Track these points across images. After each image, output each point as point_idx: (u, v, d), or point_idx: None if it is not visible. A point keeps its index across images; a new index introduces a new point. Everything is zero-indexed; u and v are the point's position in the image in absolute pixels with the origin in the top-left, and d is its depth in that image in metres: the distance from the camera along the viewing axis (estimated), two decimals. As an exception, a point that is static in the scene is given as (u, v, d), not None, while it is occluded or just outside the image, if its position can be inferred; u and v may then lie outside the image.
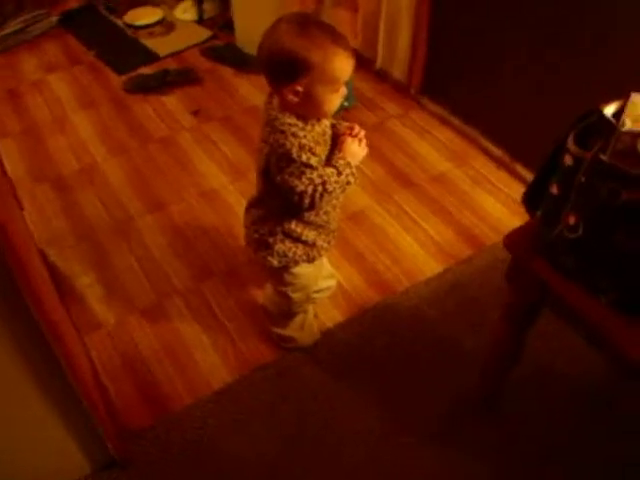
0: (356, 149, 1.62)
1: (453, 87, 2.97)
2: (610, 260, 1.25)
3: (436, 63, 2.98)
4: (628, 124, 1.17)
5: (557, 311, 1.46)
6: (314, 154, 1.53)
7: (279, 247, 1.73)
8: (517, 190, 2.66)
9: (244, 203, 2.55)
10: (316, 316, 2.13)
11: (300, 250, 1.75)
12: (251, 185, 2.63)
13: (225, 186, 2.71)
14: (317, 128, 1.57)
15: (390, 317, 2.18)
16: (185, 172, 2.78)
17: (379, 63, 3.19)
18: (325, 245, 1.81)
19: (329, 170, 1.55)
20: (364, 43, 3.15)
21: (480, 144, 2.88)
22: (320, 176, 1.53)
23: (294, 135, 1.50)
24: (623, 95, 1.26)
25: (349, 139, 1.62)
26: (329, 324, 2.16)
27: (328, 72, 1.45)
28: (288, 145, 1.49)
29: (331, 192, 1.55)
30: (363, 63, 3.23)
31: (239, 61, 3.37)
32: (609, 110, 1.23)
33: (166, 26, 3.71)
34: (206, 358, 2.06)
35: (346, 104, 1.50)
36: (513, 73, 2.61)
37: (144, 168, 2.79)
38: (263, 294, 2.09)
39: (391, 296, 2.25)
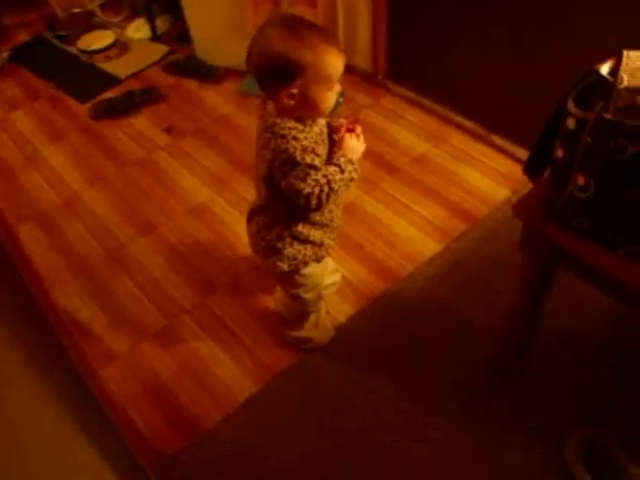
0: (355, 144, 1.63)
1: (419, 68, 2.99)
2: (624, 213, 1.27)
3: (399, 46, 3.00)
4: (626, 80, 1.19)
5: (575, 271, 1.49)
6: (317, 154, 1.53)
7: (288, 251, 1.74)
8: (497, 160, 2.72)
9: (233, 212, 2.60)
10: (328, 312, 2.14)
11: (309, 251, 1.76)
12: (236, 194, 2.68)
13: (211, 198, 2.70)
14: (315, 128, 1.57)
15: (400, 302, 2.20)
16: (169, 190, 2.76)
17: (342, 54, 3.19)
18: (332, 243, 1.83)
19: (332, 169, 1.56)
20: (324, 37, 3.15)
21: (454, 121, 2.91)
22: (325, 176, 1.53)
23: (295, 138, 1.50)
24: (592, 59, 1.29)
25: (347, 135, 1.63)
26: (341, 319, 2.18)
27: (321, 71, 1.45)
28: (291, 149, 1.50)
29: (337, 190, 1.56)
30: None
31: (202, 72, 3.36)
32: (604, 69, 1.26)
33: (121, 47, 3.67)
34: (226, 372, 2.06)
35: (340, 100, 1.51)
36: (475, 46, 2.64)
37: (126, 193, 2.77)
38: (274, 299, 2.10)
39: (397, 282, 2.27)
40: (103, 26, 3.89)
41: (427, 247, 2.38)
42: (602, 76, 1.24)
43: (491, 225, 2.45)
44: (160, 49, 3.64)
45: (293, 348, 2.10)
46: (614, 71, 1.24)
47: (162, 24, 3.76)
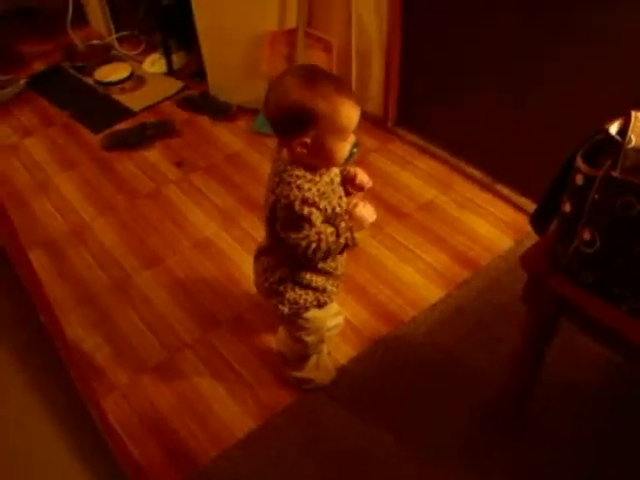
0: (365, 215, 1.65)
1: (429, 116, 3.05)
2: (629, 270, 1.30)
3: (410, 94, 3.06)
4: (634, 140, 1.23)
5: (577, 324, 1.51)
6: (318, 208, 1.55)
7: (290, 295, 1.76)
8: (502, 210, 2.75)
9: (239, 249, 2.63)
10: (329, 354, 2.15)
11: (310, 297, 1.78)
12: (242, 231, 2.71)
13: (218, 234, 2.73)
14: (325, 178, 1.60)
15: (402, 347, 2.21)
16: (176, 224, 2.79)
17: (354, 99, 3.26)
18: (334, 289, 1.84)
19: (329, 230, 1.59)
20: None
21: (461, 169, 2.96)
22: (317, 233, 1.56)
23: (299, 187, 1.53)
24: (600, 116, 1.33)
25: (360, 204, 1.65)
26: (342, 360, 2.18)
27: (336, 122, 1.48)
28: (292, 197, 1.52)
29: (325, 250, 1.59)
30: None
31: (215, 109, 3.41)
32: (613, 129, 1.29)
33: (136, 81, 3.74)
34: (226, 408, 2.07)
35: (354, 150, 1.54)
36: (485, 96, 2.70)
37: (134, 224, 2.80)
38: (276, 339, 2.11)
39: (399, 326, 2.28)
40: (120, 59, 3.97)
41: (430, 293, 2.40)
42: (611, 135, 1.27)
43: (494, 274, 2.47)
44: (175, 84, 3.70)
45: (294, 388, 2.10)
46: (622, 131, 1.27)
47: (178, 59, 3.83)
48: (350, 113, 1.50)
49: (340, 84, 1.50)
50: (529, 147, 2.63)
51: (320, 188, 1.57)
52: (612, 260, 1.31)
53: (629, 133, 1.24)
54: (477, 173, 2.91)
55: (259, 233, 2.65)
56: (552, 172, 1.47)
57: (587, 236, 1.31)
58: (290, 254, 1.64)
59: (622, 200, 1.22)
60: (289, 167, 1.55)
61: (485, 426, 1.98)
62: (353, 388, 2.10)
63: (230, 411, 2.06)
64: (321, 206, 1.56)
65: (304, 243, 1.56)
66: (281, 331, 2.04)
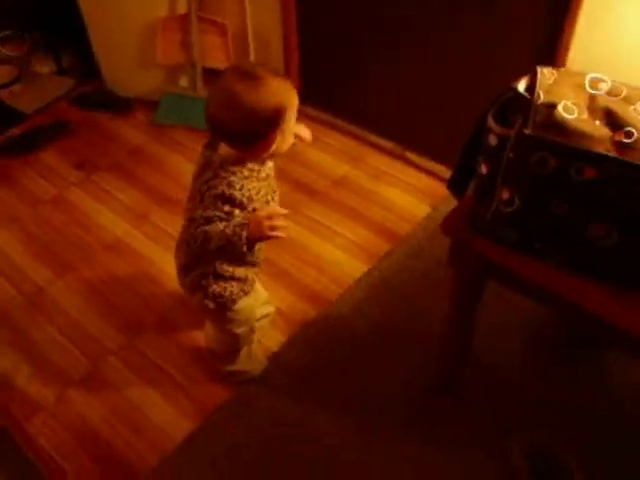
0: (261, 228, 1.48)
1: (333, 91, 3.03)
2: (549, 225, 1.31)
3: (312, 70, 3.02)
4: (542, 96, 1.23)
5: (504, 282, 1.52)
6: (230, 211, 1.50)
7: (213, 289, 1.71)
8: (415, 177, 2.77)
9: (153, 246, 2.55)
10: (259, 342, 2.11)
11: (235, 288, 1.74)
12: (155, 227, 2.62)
13: (129, 233, 2.63)
14: (262, 174, 1.57)
15: (332, 325, 2.20)
16: (84, 228, 2.67)
17: (255, 81, 3.20)
18: (255, 276, 1.81)
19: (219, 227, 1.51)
20: (236, 64, 3.15)
21: (371, 141, 2.95)
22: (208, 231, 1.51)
23: (229, 185, 1.49)
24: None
25: (265, 215, 1.50)
26: (274, 347, 2.15)
27: (294, 105, 1.50)
28: (218, 190, 1.49)
29: (210, 247, 1.53)
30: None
31: (112, 104, 3.28)
32: (521, 86, 1.29)
33: (26, 82, 3.53)
34: (160, 413, 2.00)
35: None
36: (388, 67, 2.69)
37: (41, 233, 2.66)
38: (205, 336, 2.06)
39: (327, 306, 2.26)
40: (5, 61, 3.74)
41: (354, 269, 2.39)
42: (520, 93, 1.27)
43: (414, 242, 2.48)
44: (67, 82, 3.53)
45: (227, 382, 2.05)
46: (530, 87, 1.28)
47: (68, 56, 3.65)
48: (294, 91, 1.51)
49: (273, 69, 1.50)
50: (435, 113, 2.65)
51: (255, 185, 1.54)
52: (532, 217, 1.31)
53: (537, 89, 1.24)
54: (387, 144, 2.91)
55: (173, 228, 2.56)
56: (460, 135, 1.47)
57: (506, 195, 1.32)
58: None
59: (537, 157, 1.22)
60: (230, 163, 1.51)
61: (423, 393, 1.99)
62: (287, 374, 2.08)
63: (165, 415, 1.99)
64: (249, 208, 1.52)
65: (200, 237, 1.52)
66: (209, 327, 1.98)
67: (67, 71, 3.62)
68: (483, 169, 1.36)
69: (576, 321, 1.49)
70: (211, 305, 1.74)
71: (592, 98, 1.26)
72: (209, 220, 1.50)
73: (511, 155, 1.26)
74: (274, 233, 1.48)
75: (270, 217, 1.48)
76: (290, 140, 1.57)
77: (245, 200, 1.51)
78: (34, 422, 1.99)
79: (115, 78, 3.33)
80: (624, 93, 1.26)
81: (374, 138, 2.94)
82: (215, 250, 1.53)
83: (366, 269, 2.38)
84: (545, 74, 1.28)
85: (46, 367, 2.16)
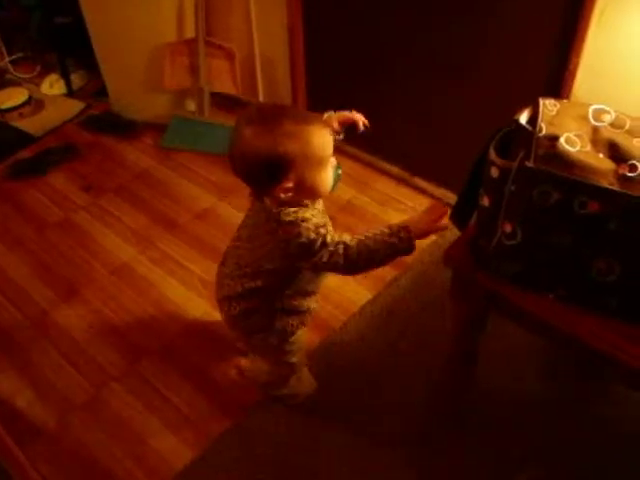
0: (424, 225, 1.53)
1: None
2: (552, 259, 1.30)
3: (319, 95, 3.02)
4: (544, 128, 1.22)
5: (507, 315, 1.51)
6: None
7: (278, 324, 1.70)
8: (422, 202, 2.76)
9: (159, 272, 2.54)
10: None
11: (296, 320, 1.73)
12: (160, 252, 2.61)
13: (135, 258, 2.62)
14: (318, 206, 1.54)
15: (336, 353, 2.18)
16: (90, 252, 2.67)
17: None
18: (315, 305, 1.79)
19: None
20: (245, 89, 3.15)
21: (377, 166, 2.95)
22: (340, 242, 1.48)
23: (304, 220, 1.45)
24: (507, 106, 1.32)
25: (425, 211, 1.58)
26: (277, 376, 2.13)
27: (312, 156, 1.41)
28: (304, 231, 1.44)
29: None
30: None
31: (119, 128, 3.29)
32: (523, 118, 1.28)
33: (35, 105, 3.56)
34: (161, 441, 1.98)
35: (339, 172, 1.46)
36: (395, 93, 2.69)
37: (46, 257, 2.66)
38: (251, 371, 2.06)
39: (331, 334, 2.24)
40: (16, 83, 3.78)
41: (358, 296, 2.37)
42: (522, 125, 1.26)
43: (420, 268, 2.46)
44: (76, 105, 3.56)
45: (230, 411, 2.03)
46: (532, 119, 1.27)
47: (77, 79, 3.69)
48: (322, 139, 1.42)
49: (297, 114, 1.44)
50: (443, 138, 2.64)
51: (318, 215, 1.51)
52: (535, 251, 1.30)
53: (539, 121, 1.23)
54: (394, 169, 2.90)
55: (179, 253, 2.60)
56: (467, 162, 1.46)
57: (508, 229, 1.30)
58: (285, 286, 1.62)
59: (539, 190, 1.21)
60: (281, 209, 1.46)
61: (426, 427, 1.96)
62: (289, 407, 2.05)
63: (166, 443, 1.97)
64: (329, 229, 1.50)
65: (339, 258, 1.46)
66: (257, 362, 1.99)
67: (77, 94, 3.65)
68: (485, 201, 1.35)
69: (579, 354, 1.46)
70: (274, 342, 1.74)
71: (595, 130, 1.25)
72: (321, 248, 1.46)
73: (513, 188, 1.25)
74: (439, 224, 1.52)
75: (429, 212, 1.52)
76: (320, 189, 1.48)
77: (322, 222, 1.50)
78: (34, 447, 1.98)
79: (123, 102, 3.35)
80: (628, 125, 1.26)
81: (381, 163, 2.93)
82: (379, 261, 1.51)
83: (371, 296, 2.37)
84: (547, 105, 1.28)
85: (47, 391, 2.14)
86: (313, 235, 1.44)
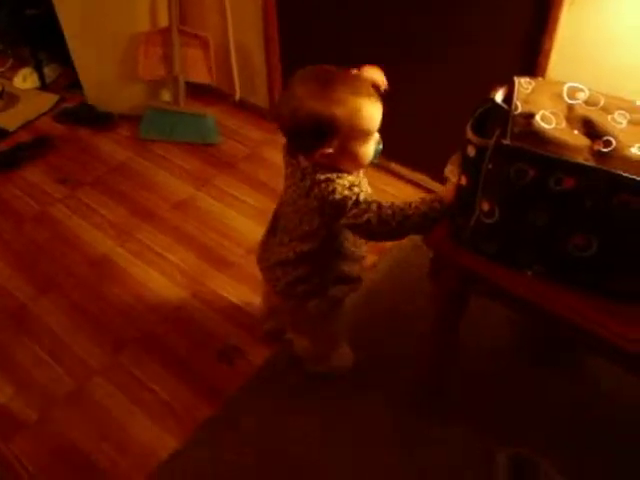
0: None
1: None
2: (529, 236, 1.31)
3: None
4: (520, 107, 1.23)
5: (486, 294, 1.52)
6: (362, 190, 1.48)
7: (331, 292, 1.73)
8: (399, 187, 2.83)
9: (138, 263, 2.52)
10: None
11: (346, 288, 1.76)
12: (139, 243, 2.60)
13: (113, 250, 2.61)
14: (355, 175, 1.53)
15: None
16: (69, 245, 2.65)
17: (238, 94, 3.20)
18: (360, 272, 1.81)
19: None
20: (220, 78, 3.14)
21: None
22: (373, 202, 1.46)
23: (339, 177, 1.45)
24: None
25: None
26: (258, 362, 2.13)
27: (358, 126, 1.41)
28: (339, 188, 1.44)
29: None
30: (222, 98, 3.25)
31: (94, 119, 3.26)
32: (499, 97, 1.29)
33: (8, 98, 3.51)
34: (145, 430, 1.98)
35: (380, 147, 1.46)
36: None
37: (24, 251, 2.64)
38: (297, 345, 2.06)
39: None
40: (-14, 77, 3.74)
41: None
42: (497, 104, 1.27)
43: (398, 253, 2.47)
44: (50, 98, 3.52)
45: (213, 398, 2.04)
46: (508, 98, 1.28)
47: (51, 72, 3.64)
48: (371, 113, 1.43)
49: (355, 83, 1.44)
50: (417, 123, 2.64)
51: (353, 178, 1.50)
52: (513, 228, 1.31)
53: (514, 100, 1.24)
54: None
55: (158, 244, 2.59)
56: (441, 145, 1.46)
57: (486, 207, 1.31)
58: (336, 252, 1.64)
59: (515, 167, 1.22)
60: (317, 169, 1.47)
61: (410, 404, 1.98)
62: (274, 393, 2.06)
63: (150, 433, 1.97)
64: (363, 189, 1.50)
65: (372, 215, 1.43)
66: (300, 337, 2.01)
67: (51, 87, 3.61)
68: (463, 180, 1.36)
69: (557, 330, 1.48)
70: (326, 309, 1.76)
71: (570, 107, 1.26)
72: (356, 206, 1.45)
73: (490, 166, 1.26)
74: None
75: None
76: (359, 161, 1.49)
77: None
78: (16, 442, 1.97)
79: (97, 93, 3.32)
80: (602, 102, 1.27)
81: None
82: (410, 227, 1.46)
83: (352, 281, 2.37)
84: (522, 84, 1.29)
85: (30, 386, 2.13)
86: (347, 192, 1.44)
